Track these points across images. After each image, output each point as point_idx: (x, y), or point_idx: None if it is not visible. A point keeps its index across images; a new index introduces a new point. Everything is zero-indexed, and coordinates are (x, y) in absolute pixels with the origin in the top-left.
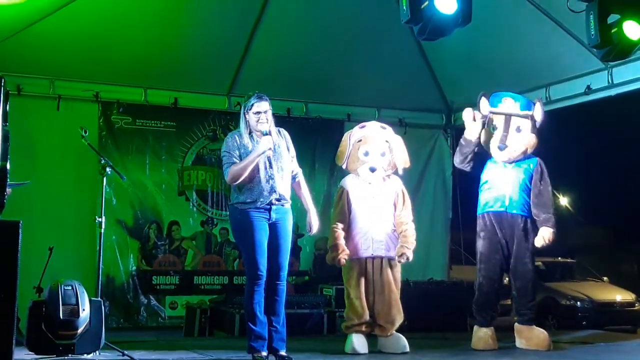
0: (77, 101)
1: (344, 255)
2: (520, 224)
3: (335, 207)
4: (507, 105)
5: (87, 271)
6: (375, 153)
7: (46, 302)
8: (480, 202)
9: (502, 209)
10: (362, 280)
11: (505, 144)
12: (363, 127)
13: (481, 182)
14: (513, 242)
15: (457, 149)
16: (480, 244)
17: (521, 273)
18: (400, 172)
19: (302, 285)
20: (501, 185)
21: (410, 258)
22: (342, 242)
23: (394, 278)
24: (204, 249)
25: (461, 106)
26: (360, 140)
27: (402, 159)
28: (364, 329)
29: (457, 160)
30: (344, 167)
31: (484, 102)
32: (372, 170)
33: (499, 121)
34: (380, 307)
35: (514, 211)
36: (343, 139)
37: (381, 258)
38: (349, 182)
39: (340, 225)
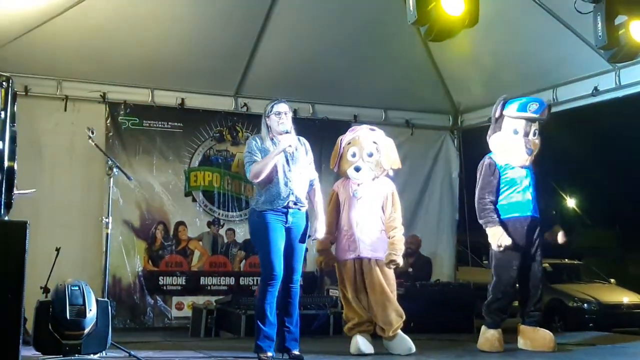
0: (84, 102)
1: (327, 261)
2: (538, 226)
3: (327, 210)
4: (532, 110)
5: (94, 271)
6: (362, 154)
7: (53, 302)
8: (503, 206)
9: (529, 214)
10: (354, 281)
11: (532, 148)
12: (353, 130)
13: (501, 187)
14: (532, 245)
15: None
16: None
17: (535, 275)
18: (391, 173)
19: (308, 286)
20: (526, 190)
21: (401, 263)
22: (325, 247)
23: (385, 278)
24: (210, 249)
25: (468, 107)
26: (349, 143)
27: (390, 160)
28: (365, 328)
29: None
30: (335, 170)
31: (501, 107)
32: (357, 169)
33: (519, 126)
34: (375, 308)
35: (536, 215)
36: (336, 143)
37: (368, 259)
38: (339, 184)
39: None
